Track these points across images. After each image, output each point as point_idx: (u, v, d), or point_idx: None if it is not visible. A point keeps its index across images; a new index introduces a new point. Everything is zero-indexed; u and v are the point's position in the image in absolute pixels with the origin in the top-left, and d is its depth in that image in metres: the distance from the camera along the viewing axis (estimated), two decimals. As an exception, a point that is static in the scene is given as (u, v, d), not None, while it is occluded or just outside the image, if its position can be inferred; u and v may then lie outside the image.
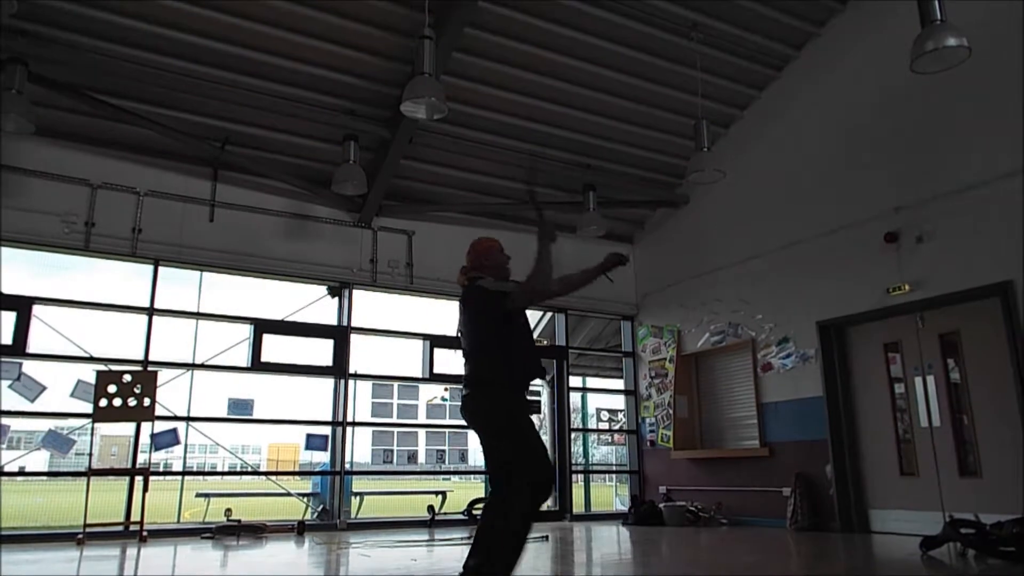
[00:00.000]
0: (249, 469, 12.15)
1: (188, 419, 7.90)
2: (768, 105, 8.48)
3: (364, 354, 8.57)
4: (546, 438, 9.45)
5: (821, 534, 6.97)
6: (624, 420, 10.33)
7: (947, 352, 6.70)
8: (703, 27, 7.38)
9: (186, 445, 8.25)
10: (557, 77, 7.69)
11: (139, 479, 6.86)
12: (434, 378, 8.81)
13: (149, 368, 7.26)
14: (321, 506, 8.32)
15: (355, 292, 8.57)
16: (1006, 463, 6.02)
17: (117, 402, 6.81)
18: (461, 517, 8.45)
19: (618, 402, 10.59)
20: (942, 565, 4.99)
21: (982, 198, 6.23)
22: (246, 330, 8.01)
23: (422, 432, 9.16)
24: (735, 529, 7.76)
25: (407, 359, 8.95)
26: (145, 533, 6.65)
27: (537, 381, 11.20)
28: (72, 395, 7.07)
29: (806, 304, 7.66)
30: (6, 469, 7.06)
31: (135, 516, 6.80)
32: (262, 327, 8.01)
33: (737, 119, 8.79)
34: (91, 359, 7.22)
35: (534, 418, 4.12)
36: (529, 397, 3.58)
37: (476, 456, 10.06)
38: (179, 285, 8.04)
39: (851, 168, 7.41)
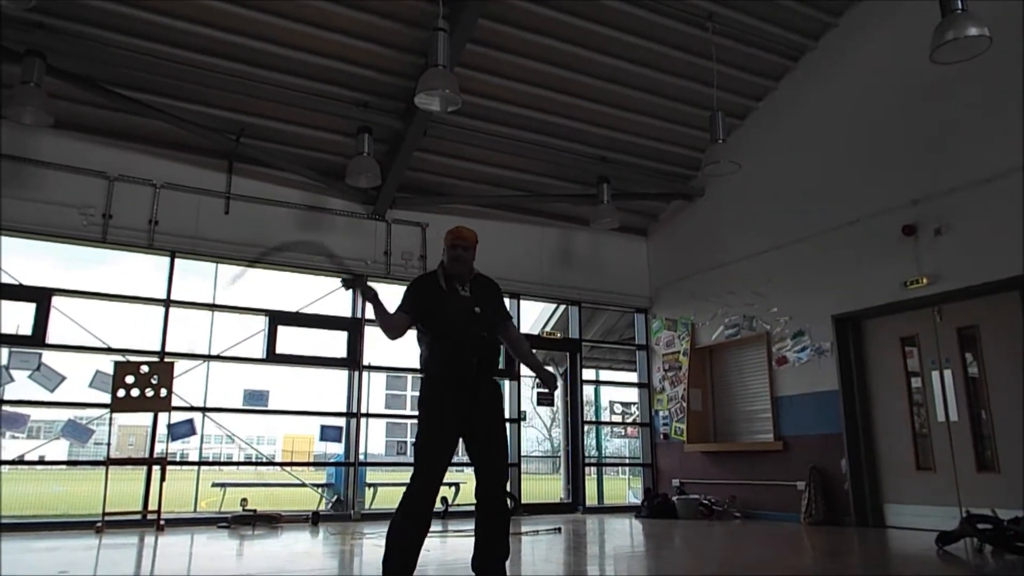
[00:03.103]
0: (264, 460, 12.25)
1: (204, 410, 7.96)
2: (784, 96, 8.40)
3: (378, 346, 8.61)
4: (559, 431, 9.45)
5: (836, 528, 6.93)
6: (637, 413, 10.31)
7: (965, 346, 6.62)
8: (719, 17, 7.32)
9: (202, 435, 8.31)
10: (571, 68, 7.65)
11: (156, 468, 6.94)
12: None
13: (166, 359, 7.33)
14: (335, 497, 8.38)
15: (369, 284, 8.57)
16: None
17: (135, 393, 6.88)
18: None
19: (631, 395, 10.58)
20: (958, 561, 4.95)
21: (1002, 191, 6.14)
22: (261, 322, 8.07)
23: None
24: (748, 523, 7.74)
25: (414, 353, 8.96)
26: (162, 522, 6.73)
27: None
28: (91, 385, 7.15)
29: (822, 297, 7.60)
30: (26, 458, 7.16)
31: (152, 505, 6.89)
32: (277, 319, 8.06)
33: (753, 110, 8.71)
34: (109, 350, 7.29)
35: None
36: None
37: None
38: (195, 277, 8.11)
39: (868, 159, 7.33)
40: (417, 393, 3.66)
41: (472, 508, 3.58)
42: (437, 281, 3.61)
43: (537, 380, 3.74)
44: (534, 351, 3.95)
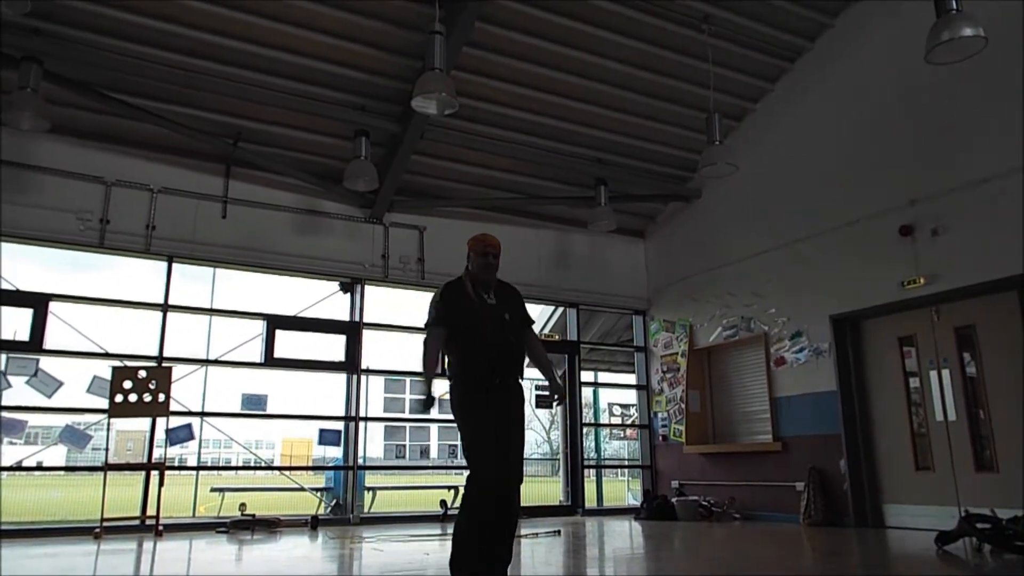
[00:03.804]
0: (263, 464, 12.24)
1: (202, 414, 7.96)
2: (781, 97, 8.42)
3: (376, 349, 8.61)
4: (557, 433, 9.44)
5: (835, 529, 6.93)
6: (636, 415, 10.31)
7: (963, 346, 6.63)
8: (715, 19, 7.33)
9: (201, 440, 8.31)
10: (568, 71, 7.66)
11: (155, 474, 6.93)
12: (446, 373, 8.81)
13: (164, 364, 7.31)
14: (334, 501, 8.37)
15: (367, 288, 8.59)
16: (1022, 457, 5.97)
17: (132, 398, 6.87)
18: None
19: (630, 397, 10.57)
20: (958, 560, 4.96)
21: (998, 190, 6.15)
22: (259, 326, 8.06)
23: (434, 427, 9.13)
24: (748, 524, 7.74)
25: (419, 354, 8.95)
26: (161, 527, 6.71)
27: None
28: (88, 391, 7.14)
29: (820, 298, 7.60)
30: (24, 464, 7.15)
31: (151, 510, 6.87)
32: (275, 323, 8.05)
33: (750, 112, 8.73)
34: (107, 355, 7.28)
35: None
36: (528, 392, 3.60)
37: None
38: (193, 281, 8.10)
39: (865, 160, 7.35)
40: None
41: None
42: (465, 289, 3.63)
43: (540, 384, 3.83)
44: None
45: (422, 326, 3.72)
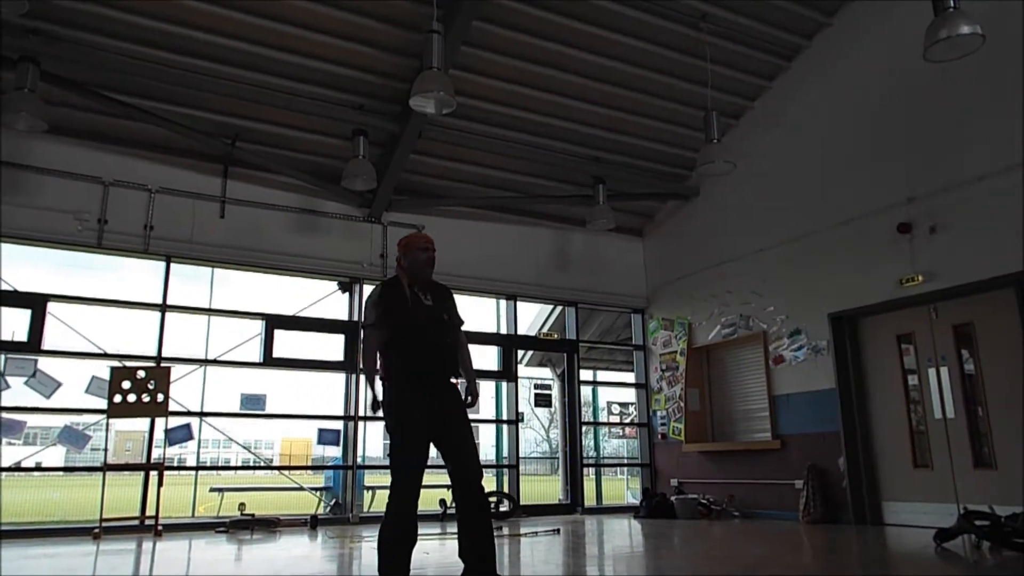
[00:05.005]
0: (262, 464, 12.23)
1: (201, 414, 7.95)
2: (779, 95, 8.42)
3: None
4: (556, 432, 9.44)
5: (834, 527, 6.94)
6: (635, 413, 10.32)
7: (961, 343, 6.64)
8: (712, 17, 7.33)
9: (200, 440, 8.29)
10: (566, 70, 7.66)
11: (154, 474, 6.93)
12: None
13: (162, 364, 7.31)
14: (333, 500, 8.36)
15: (366, 287, 8.59)
16: (1021, 455, 5.98)
17: (131, 398, 6.87)
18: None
19: (629, 395, 10.58)
20: (957, 557, 4.96)
21: (996, 187, 6.16)
22: (258, 326, 8.05)
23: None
24: (747, 522, 7.75)
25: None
26: (160, 527, 6.71)
27: (546, 374, 11.23)
28: (87, 391, 7.13)
29: (818, 296, 7.61)
30: (23, 465, 7.14)
31: (150, 511, 6.87)
32: (274, 323, 8.05)
33: (747, 110, 8.73)
34: (105, 355, 7.28)
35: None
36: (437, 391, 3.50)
37: (488, 450, 10.08)
38: (191, 281, 8.10)
39: (863, 158, 7.35)
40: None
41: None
42: (402, 289, 3.57)
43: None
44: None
45: (362, 327, 3.61)
